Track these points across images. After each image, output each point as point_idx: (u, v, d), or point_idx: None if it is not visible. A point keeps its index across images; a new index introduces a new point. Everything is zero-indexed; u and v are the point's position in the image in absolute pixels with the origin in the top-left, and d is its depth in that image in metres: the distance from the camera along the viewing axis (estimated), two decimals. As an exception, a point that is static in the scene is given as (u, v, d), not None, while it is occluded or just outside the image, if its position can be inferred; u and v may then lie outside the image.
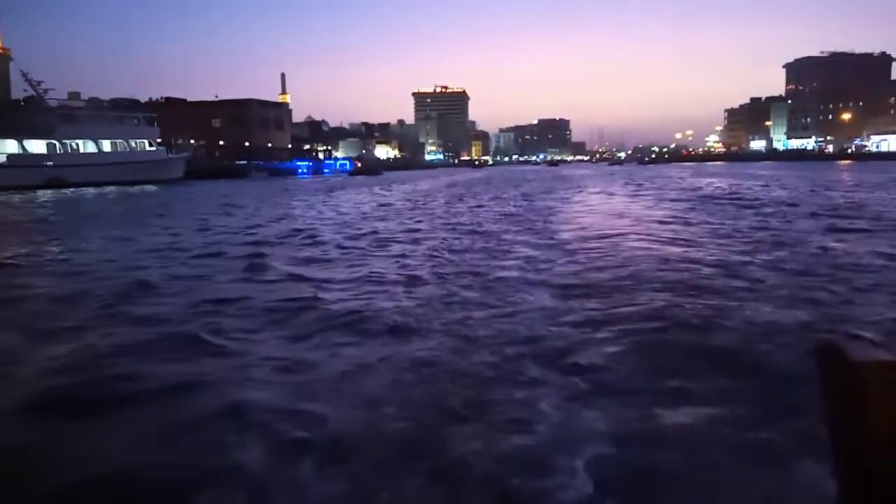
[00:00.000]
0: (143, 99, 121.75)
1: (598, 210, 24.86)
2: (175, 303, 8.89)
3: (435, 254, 13.13)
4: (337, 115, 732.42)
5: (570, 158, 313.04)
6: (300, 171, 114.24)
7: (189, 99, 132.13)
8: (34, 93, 59.24)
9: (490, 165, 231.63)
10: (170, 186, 59.86)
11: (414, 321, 7.37)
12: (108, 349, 6.60)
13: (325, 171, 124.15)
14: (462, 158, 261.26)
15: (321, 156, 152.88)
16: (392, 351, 6.27)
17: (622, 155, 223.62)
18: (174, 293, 9.57)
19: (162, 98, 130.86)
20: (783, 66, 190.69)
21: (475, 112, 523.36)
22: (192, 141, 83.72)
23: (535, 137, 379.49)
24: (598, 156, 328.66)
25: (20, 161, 52.57)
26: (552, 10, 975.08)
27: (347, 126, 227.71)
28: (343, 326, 7.32)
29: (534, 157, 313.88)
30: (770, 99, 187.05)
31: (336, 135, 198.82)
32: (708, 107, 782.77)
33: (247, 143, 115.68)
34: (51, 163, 54.87)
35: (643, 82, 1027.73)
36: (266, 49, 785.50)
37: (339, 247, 14.77)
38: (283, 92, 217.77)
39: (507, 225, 19.15)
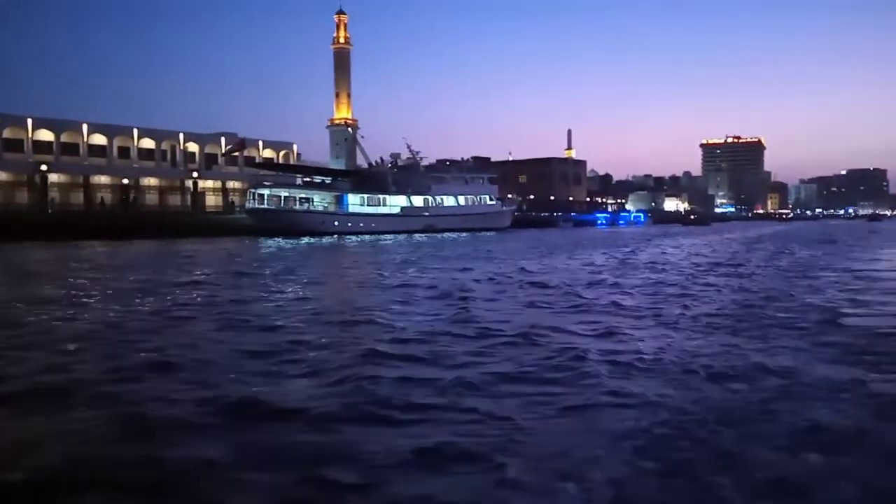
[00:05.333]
0: (456, 158, 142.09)
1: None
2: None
3: None
4: (620, 167, 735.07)
5: (889, 213, 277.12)
6: (599, 222, 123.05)
7: (485, 154, 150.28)
8: (413, 159, 76.82)
9: (790, 219, 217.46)
10: (505, 232, 71.81)
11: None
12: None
13: (621, 222, 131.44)
14: (756, 211, 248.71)
15: (609, 208, 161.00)
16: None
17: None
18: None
19: (469, 158, 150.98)
20: None
21: (771, 162, 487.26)
22: (510, 195, 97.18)
23: (843, 189, 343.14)
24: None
25: (409, 212, 69.27)
26: (861, 45, 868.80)
27: (632, 178, 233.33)
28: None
29: (841, 211, 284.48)
30: None
31: (623, 188, 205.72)
32: None
33: (551, 197, 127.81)
34: (427, 213, 70.92)
35: None
36: (550, 105, 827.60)
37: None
38: (569, 147, 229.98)
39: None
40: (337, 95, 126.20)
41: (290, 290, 16.44)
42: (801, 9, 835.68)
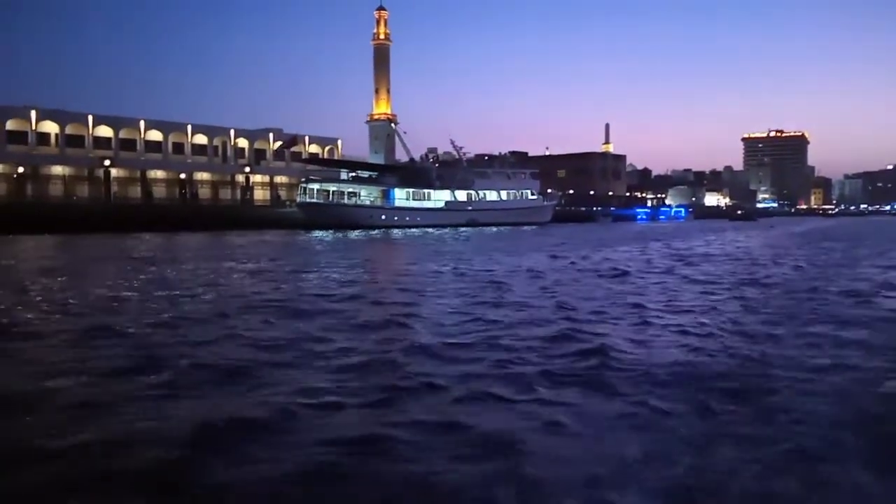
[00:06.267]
0: (493, 152, 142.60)
1: None
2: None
3: None
4: (659, 161, 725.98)
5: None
6: (639, 217, 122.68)
7: (522, 149, 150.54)
8: (456, 154, 78.08)
9: (834, 215, 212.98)
10: (546, 227, 72.28)
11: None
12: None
13: (661, 217, 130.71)
14: (799, 207, 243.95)
15: (649, 203, 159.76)
16: None
17: None
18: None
19: (508, 152, 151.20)
20: None
21: (815, 157, 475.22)
22: (550, 190, 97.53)
23: (889, 185, 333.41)
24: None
25: (452, 206, 70.58)
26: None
27: (671, 173, 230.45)
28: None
29: (887, 207, 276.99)
30: None
31: (663, 182, 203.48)
32: None
33: (591, 192, 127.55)
34: (470, 208, 72.15)
35: None
36: (588, 99, 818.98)
37: None
38: (607, 142, 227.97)
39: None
40: (377, 91, 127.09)
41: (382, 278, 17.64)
42: (845, 2, 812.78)
